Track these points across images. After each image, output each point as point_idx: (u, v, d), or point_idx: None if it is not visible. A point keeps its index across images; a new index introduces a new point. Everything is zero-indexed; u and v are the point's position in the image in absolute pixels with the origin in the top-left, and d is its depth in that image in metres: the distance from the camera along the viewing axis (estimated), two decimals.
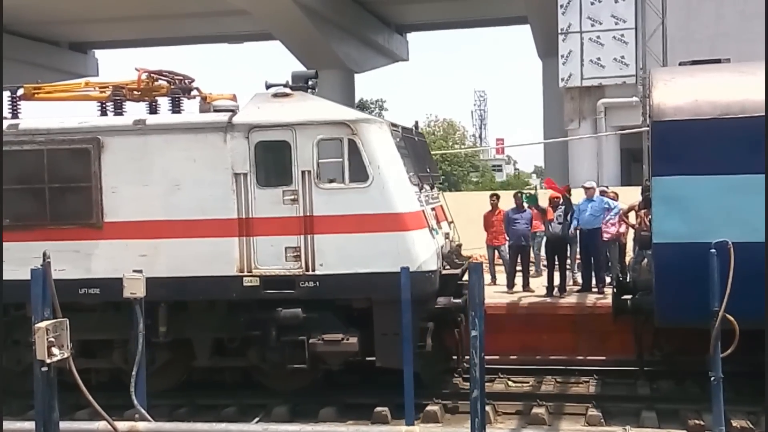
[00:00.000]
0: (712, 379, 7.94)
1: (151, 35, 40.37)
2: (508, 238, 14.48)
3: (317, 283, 9.76)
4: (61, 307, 10.09)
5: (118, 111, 10.78)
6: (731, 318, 7.95)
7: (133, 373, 9.42)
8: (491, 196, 14.50)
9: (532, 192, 16.01)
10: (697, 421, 9.21)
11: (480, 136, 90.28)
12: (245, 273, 9.91)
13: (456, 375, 11.29)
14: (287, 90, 10.30)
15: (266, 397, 10.65)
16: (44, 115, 11.12)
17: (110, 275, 9.93)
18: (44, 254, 8.21)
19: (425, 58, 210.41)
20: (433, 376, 10.76)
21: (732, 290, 7.93)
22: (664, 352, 11.02)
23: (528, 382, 11.61)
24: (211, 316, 10.37)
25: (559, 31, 26.75)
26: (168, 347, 10.47)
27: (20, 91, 11.08)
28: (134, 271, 9.51)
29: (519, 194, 14.84)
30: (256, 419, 9.99)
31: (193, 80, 11.37)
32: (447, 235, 10.94)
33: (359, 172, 9.69)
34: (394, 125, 10.45)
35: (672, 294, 9.25)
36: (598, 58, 26.32)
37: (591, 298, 13.36)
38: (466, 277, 10.19)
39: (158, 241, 10.09)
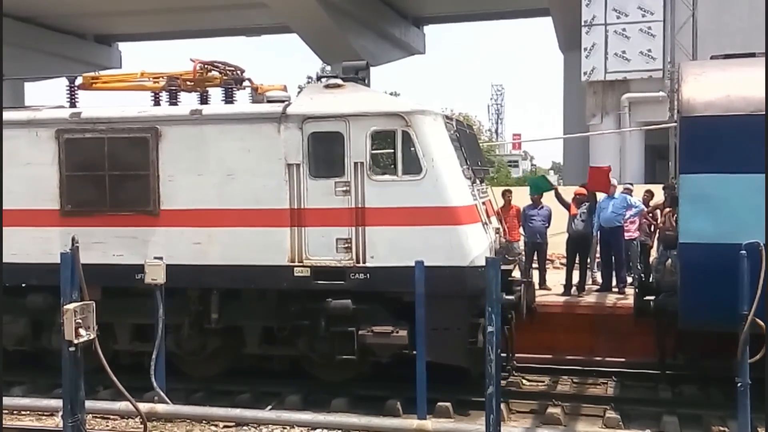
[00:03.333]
0: (739, 385, 7.64)
1: (172, 28, 40.61)
2: (523, 234, 14.32)
3: (368, 275, 9.89)
4: (117, 292, 10.44)
5: (173, 101, 10.93)
6: (761, 322, 7.68)
7: (153, 356, 9.69)
8: (504, 192, 14.61)
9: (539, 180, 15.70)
10: (721, 428, 9.08)
11: (496, 131, 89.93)
12: (296, 263, 10.07)
13: (505, 373, 11.38)
14: (339, 81, 10.42)
15: (280, 385, 10.83)
16: (101, 104, 11.31)
17: (166, 262, 10.11)
18: (73, 239, 8.36)
19: (442, 51, 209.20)
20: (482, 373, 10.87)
21: (762, 293, 7.70)
22: (688, 356, 10.87)
23: (543, 382, 11.55)
24: (262, 304, 10.54)
25: (583, 24, 26.65)
26: (219, 334, 10.67)
27: (78, 81, 11.25)
28: (155, 258, 9.86)
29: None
30: (269, 406, 10.17)
31: (244, 71, 11.50)
32: (497, 230, 11.05)
33: (413, 165, 9.78)
34: (448, 117, 10.55)
35: (697, 296, 9.08)
36: (623, 52, 26.15)
37: (611, 298, 13.24)
38: (516, 273, 10.34)
39: (212, 229, 10.27)
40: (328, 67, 34.56)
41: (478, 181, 10.84)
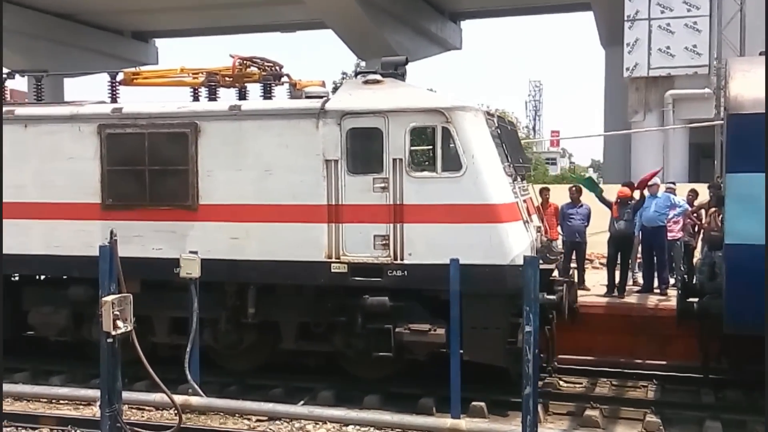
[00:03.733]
0: None
1: (207, 24, 40.99)
2: (561, 233, 14.02)
3: (405, 272, 9.80)
4: (156, 285, 10.51)
5: (212, 96, 10.95)
6: None
7: (188, 349, 9.73)
8: (541, 190, 14.43)
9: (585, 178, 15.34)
10: None
11: (534, 128, 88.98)
12: (333, 259, 10.02)
13: (545, 374, 11.20)
14: (378, 77, 10.35)
15: (312, 381, 10.83)
16: (141, 100, 11.38)
17: (204, 256, 10.15)
18: (111, 232, 8.48)
19: (479, 47, 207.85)
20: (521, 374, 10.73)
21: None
22: (732, 360, 10.61)
23: (581, 383, 11.36)
24: (299, 300, 10.53)
25: (626, 18, 26.25)
26: (255, 329, 10.68)
27: (120, 76, 11.34)
28: (190, 252, 9.87)
29: (574, 188, 14.40)
30: (302, 402, 10.17)
31: (282, 66, 11.48)
32: (539, 229, 10.88)
33: (452, 161, 9.67)
34: (489, 113, 10.41)
35: (743, 299, 8.84)
36: (668, 47, 25.70)
37: (652, 300, 12.98)
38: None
39: (250, 224, 10.27)
40: (363, 63, 34.54)
41: (519, 179, 10.69)
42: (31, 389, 10.43)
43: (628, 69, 26.30)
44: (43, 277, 11.75)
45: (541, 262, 10.32)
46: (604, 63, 34.00)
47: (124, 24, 40.84)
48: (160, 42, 45.38)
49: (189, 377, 9.76)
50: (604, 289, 13.57)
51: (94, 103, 11.18)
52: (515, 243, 9.60)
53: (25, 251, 10.87)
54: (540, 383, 9.98)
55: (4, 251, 10.78)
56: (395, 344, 10.00)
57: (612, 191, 14.13)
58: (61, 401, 10.12)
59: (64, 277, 11.17)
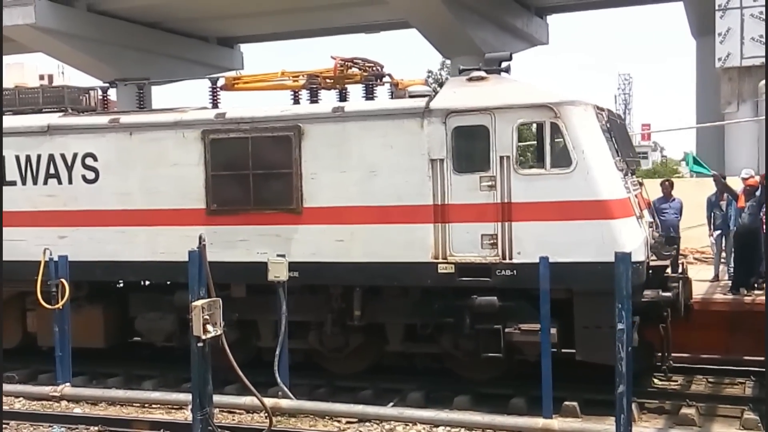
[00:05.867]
0: None
1: (290, 28, 41.28)
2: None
3: (514, 271, 9.57)
4: (260, 289, 10.56)
5: (314, 99, 10.95)
6: None
7: (276, 352, 9.72)
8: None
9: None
10: None
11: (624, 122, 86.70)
12: (440, 260, 9.86)
13: (659, 374, 10.82)
14: (482, 73, 10.16)
15: (401, 382, 10.71)
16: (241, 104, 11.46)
17: (308, 259, 10.17)
18: (200, 237, 8.55)
19: (566, 41, 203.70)
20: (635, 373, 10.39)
21: None
22: None
23: (676, 381, 11.01)
24: (405, 301, 10.41)
25: (717, 8, 25.27)
26: (362, 331, 10.61)
27: (221, 82, 11.45)
28: (278, 255, 9.89)
29: (667, 182, 14.06)
30: (391, 403, 10.04)
31: (383, 66, 11.40)
32: (651, 224, 10.51)
33: (562, 157, 9.42)
34: (599, 107, 10.10)
35: None
36: (761, 36, 24.68)
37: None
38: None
39: (354, 226, 10.20)
40: (449, 62, 34.28)
41: (630, 173, 10.33)
42: (124, 393, 10.63)
43: (720, 59, 25.28)
44: (148, 283, 11.94)
45: (654, 258, 10.02)
46: (696, 53, 32.89)
47: (210, 30, 41.42)
48: (245, 47, 45.90)
49: (278, 380, 9.78)
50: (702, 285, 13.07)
51: (197, 109, 11.31)
52: (628, 239, 9.27)
53: (131, 258, 11.09)
54: (659, 382, 9.63)
55: (111, 258, 11.13)
56: (505, 344, 9.79)
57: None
58: (154, 405, 10.28)
59: (168, 282, 11.29)
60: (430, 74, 38.88)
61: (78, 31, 34.08)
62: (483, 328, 9.86)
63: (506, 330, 9.75)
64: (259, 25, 40.36)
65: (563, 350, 9.59)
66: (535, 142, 10.60)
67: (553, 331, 9.50)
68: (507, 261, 9.62)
